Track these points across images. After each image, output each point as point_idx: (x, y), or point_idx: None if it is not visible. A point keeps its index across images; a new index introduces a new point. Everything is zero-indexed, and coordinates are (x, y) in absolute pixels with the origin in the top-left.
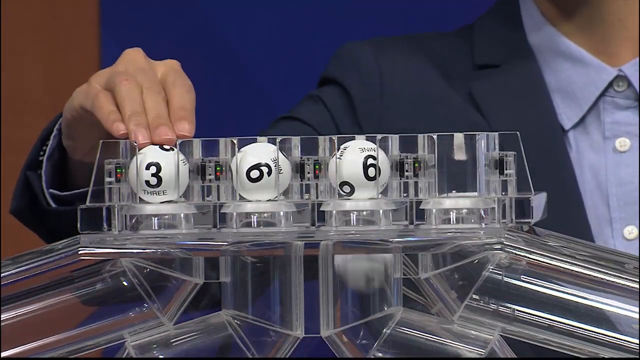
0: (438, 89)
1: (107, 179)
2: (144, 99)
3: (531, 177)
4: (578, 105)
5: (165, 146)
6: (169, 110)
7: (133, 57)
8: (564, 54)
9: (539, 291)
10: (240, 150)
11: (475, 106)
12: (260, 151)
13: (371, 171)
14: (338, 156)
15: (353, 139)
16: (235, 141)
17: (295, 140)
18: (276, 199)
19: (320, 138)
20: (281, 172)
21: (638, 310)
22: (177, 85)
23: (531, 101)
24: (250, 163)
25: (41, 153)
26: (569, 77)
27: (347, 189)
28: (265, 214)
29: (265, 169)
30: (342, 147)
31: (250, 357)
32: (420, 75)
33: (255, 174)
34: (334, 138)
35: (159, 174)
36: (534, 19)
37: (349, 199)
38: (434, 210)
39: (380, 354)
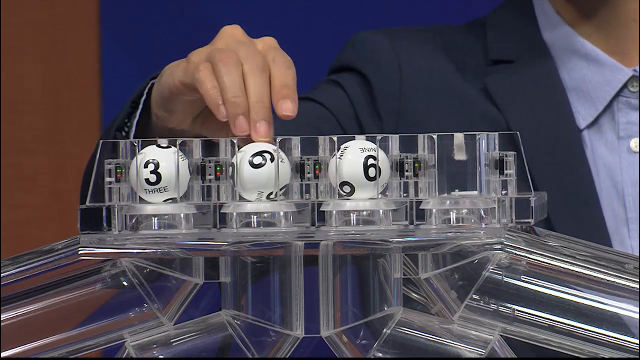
0: (454, 81)
1: (107, 179)
2: (247, 79)
3: (548, 175)
4: (593, 105)
5: (162, 144)
6: (271, 88)
7: (231, 32)
8: (579, 52)
9: (539, 291)
10: (241, 150)
11: (491, 101)
12: (261, 146)
13: (371, 171)
14: (338, 156)
15: (353, 139)
16: (235, 141)
17: (295, 140)
18: (276, 199)
19: (320, 138)
20: (282, 161)
21: (638, 310)
22: (278, 62)
23: (548, 99)
24: (254, 151)
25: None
26: (584, 77)
27: (347, 189)
28: (265, 214)
29: (267, 155)
30: (342, 147)
31: (250, 357)
32: (436, 67)
33: (258, 159)
34: (334, 138)
35: (158, 171)
36: (548, 16)
37: (349, 199)
38: (434, 210)
39: (380, 354)
